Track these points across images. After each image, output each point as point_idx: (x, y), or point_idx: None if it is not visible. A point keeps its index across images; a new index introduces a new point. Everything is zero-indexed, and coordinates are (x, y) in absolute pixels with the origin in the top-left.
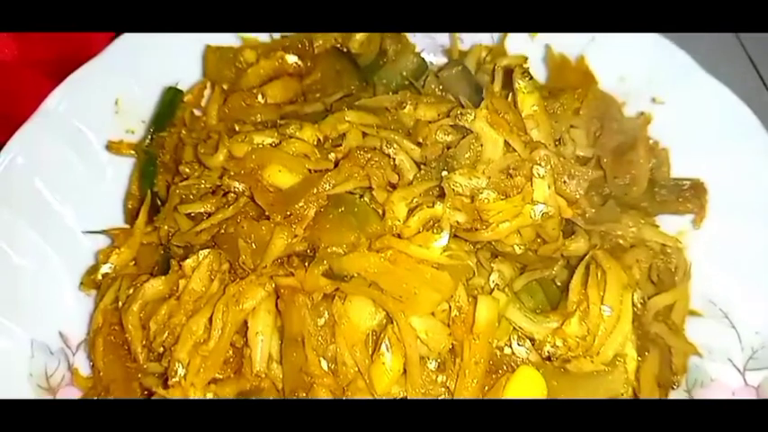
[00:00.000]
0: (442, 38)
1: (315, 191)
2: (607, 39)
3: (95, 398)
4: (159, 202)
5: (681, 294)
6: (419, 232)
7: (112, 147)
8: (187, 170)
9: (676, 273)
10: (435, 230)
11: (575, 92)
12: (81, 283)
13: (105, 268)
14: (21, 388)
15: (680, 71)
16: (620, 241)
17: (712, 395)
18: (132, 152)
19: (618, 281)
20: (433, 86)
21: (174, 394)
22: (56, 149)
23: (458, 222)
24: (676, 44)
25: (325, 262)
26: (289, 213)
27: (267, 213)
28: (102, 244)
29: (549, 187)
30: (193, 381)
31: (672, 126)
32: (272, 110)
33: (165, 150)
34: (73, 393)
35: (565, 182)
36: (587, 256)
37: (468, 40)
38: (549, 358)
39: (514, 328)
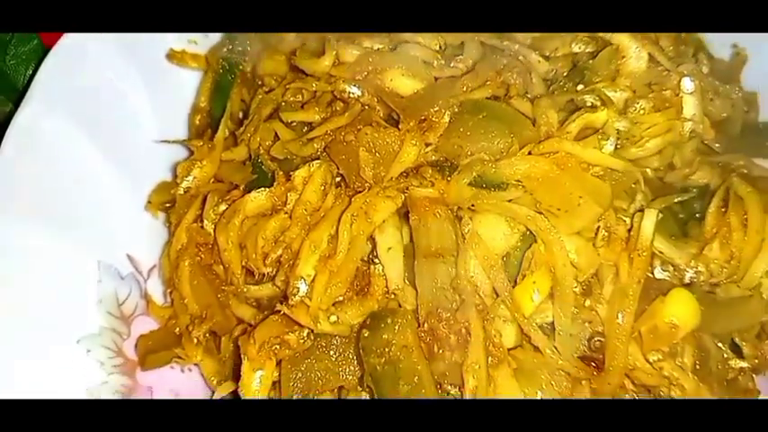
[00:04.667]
0: None
1: (450, 95)
2: None
3: (177, 330)
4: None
5: None
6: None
7: (174, 56)
8: (273, 82)
9: None
10: (601, 137)
11: None
12: (148, 202)
13: (186, 182)
14: (90, 316)
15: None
16: (744, 171)
17: None
18: (196, 65)
19: (758, 204)
20: None
21: (298, 315)
22: (108, 54)
23: (618, 131)
24: None
25: (474, 170)
26: (423, 118)
27: (396, 117)
28: (167, 161)
29: (697, 104)
30: (321, 299)
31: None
32: None
33: (248, 59)
34: (148, 324)
35: (711, 99)
36: (724, 183)
37: None
38: (689, 284)
39: (655, 254)
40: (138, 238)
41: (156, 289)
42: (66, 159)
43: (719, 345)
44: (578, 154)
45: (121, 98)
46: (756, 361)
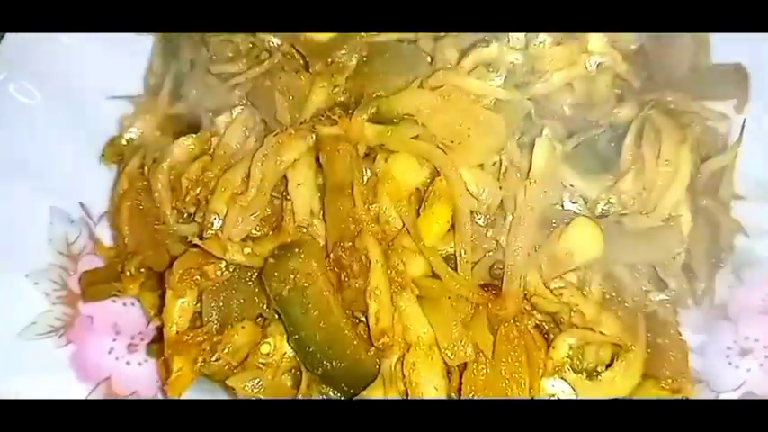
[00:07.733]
0: None
1: (357, 38)
2: None
3: (119, 267)
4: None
5: (730, 160)
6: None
7: None
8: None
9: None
10: (490, 69)
11: None
12: (102, 155)
13: (130, 133)
14: (40, 253)
15: None
16: (672, 106)
17: (761, 275)
18: None
19: (673, 136)
20: None
21: (211, 247)
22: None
23: (513, 65)
24: None
25: (371, 107)
26: (330, 61)
27: (308, 62)
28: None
29: (604, 37)
30: (231, 233)
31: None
32: None
33: None
34: (95, 262)
35: None
36: (640, 115)
37: None
38: (602, 216)
39: (565, 187)
40: (91, 188)
41: (105, 233)
42: (27, 117)
43: (637, 277)
44: (461, 85)
45: (81, 61)
46: (674, 293)
